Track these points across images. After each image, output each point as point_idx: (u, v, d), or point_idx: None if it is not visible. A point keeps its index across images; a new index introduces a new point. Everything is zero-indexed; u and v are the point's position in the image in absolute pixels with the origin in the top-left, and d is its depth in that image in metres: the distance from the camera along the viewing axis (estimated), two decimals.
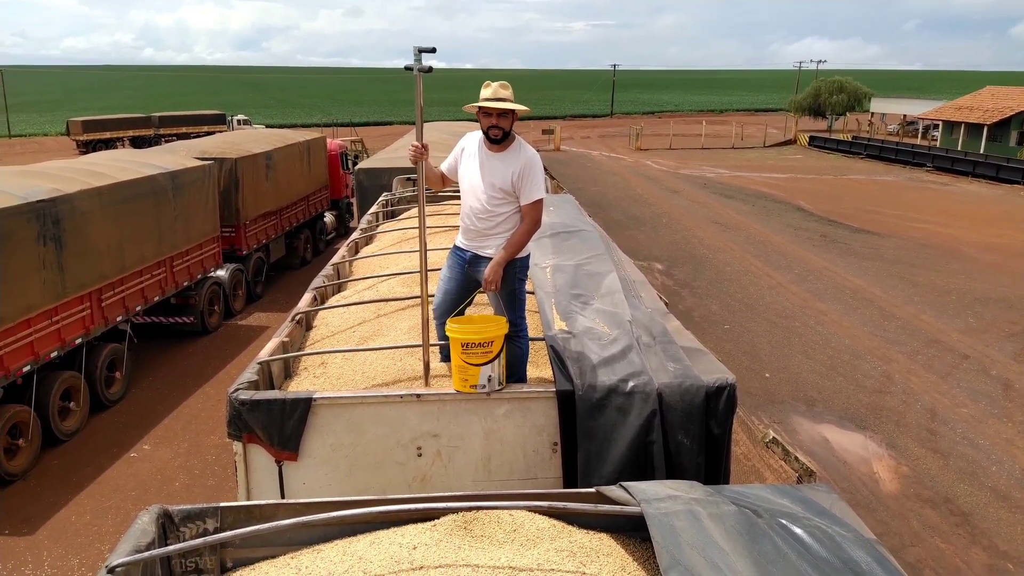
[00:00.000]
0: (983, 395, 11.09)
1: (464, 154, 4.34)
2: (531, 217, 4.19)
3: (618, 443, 3.71)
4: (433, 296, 4.49)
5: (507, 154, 4.16)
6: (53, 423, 9.37)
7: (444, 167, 4.49)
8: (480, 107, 4.09)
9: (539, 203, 4.19)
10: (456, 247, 4.42)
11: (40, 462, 9.12)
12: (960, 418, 10.35)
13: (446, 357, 4.45)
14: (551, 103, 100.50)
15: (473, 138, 4.32)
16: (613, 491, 2.74)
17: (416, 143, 4.11)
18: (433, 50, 3.85)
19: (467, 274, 4.34)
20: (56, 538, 7.73)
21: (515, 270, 4.21)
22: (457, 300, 4.37)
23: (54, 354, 9.31)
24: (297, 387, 4.32)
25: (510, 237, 4.17)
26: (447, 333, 3.93)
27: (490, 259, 4.19)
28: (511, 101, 4.09)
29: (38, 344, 9.00)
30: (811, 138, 50.29)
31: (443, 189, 4.87)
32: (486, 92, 4.10)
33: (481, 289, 4.28)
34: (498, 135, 4.11)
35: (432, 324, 4.35)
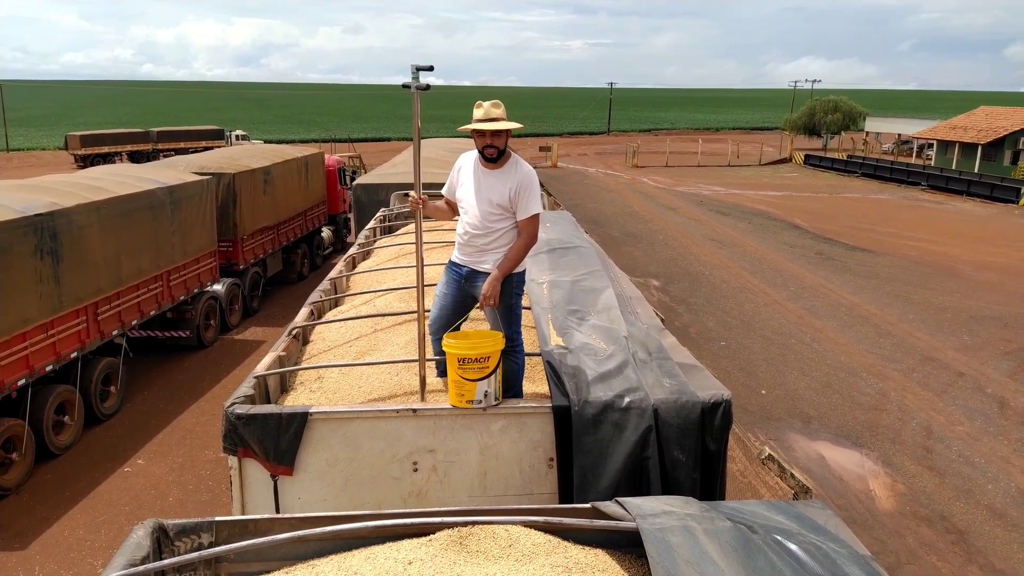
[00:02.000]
0: (979, 413, 11.10)
1: (461, 173, 4.38)
2: (528, 232, 4.21)
3: (614, 459, 3.71)
4: (429, 311, 4.50)
5: (503, 171, 4.20)
6: (47, 437, 9.33)
7: (445, 191, 4.52)
8: (474, 128, 4.14)
9: (535, 218, 4.22)
10: (452, 262, 4.44)
11: (33, 476, 9.08)
12: (956, 436, 10.36)
13: (442, 372, 4.46)
14: (549, 120, 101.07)
15: (469, 157, 4.35)
16: (609, 506, 2.74)
17: (414, 195, 4.18)
18: (431, 68, 3.90)
19: (463, 289, 4.35)
20: (49, 553, 7.68)
21: (511, 285, 4.23)
22: (453, 315, 4.38)
23: (49, 368, 9.29)
24: (293, 401, 4.32)
25: (507, 252, 4.20)
26: (443, 348, 3.94)
27: (487, 274, 4.20)
28: (504, 119, 4.12)
29: (33, 358, 8.98)
30: (806, 157, 50.55)
31: (455, 216, 4.68)
32: (478, 112, 4.14)
33: (478, 304, 4.30)
34: (493, 154, 4.15)
35: (428, 339, 4.36)
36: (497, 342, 3.90)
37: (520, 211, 4.18)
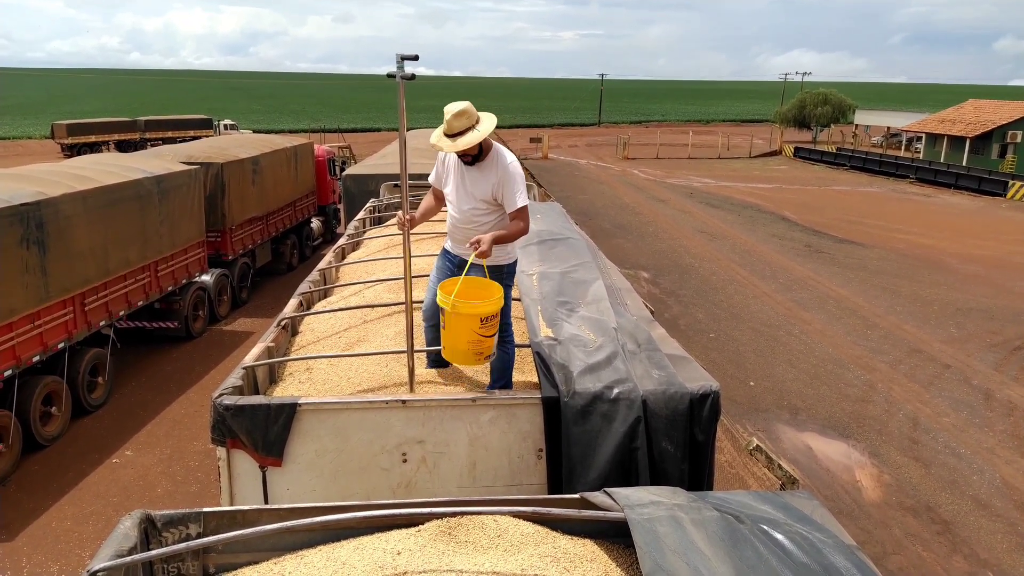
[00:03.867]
0: (965, 404, 11.20)
1: (446, 165, 4.34)
2: (519, 224, 4.18)
3: (603, 449, 3.72)
4: (417, 303, 4.49)
5: (485, 166, 4.15)
6: (34, 428, 9.28)
7: (432, 180, 4.48)
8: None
9: (524, 210, 4.18)
10: (445, 250, 4.44)
11: (20, 467, 9.03)
12: (942, 427, 10.45)
13: (433, 363, 4.47)
14: (539, 112, 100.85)
15: None
16: (597, 497, 2.75)
17: (402, 214, 4.09)
18: (416, 57, 3.85)
19: (453, 276, 4.35)
20: (36, 544, 7.64)
21: (501, 276, 4.23)
22: None
23: (36, 358, 9.23)
24: (282, 392, 4.31)
25: (505, 227, 4.17)
26: (457, 310, 3.77)
27: (477, 265, 4.19)
28: (471, 129, 3.97)
29: (20, 348, 8.92)
30: (796, 149, 50.70)
31: (444, 208, 4.67)
32: (445, 124, 4.00)
33: (470, 244, 4.12)
34: (468, 160, 4.11)
35: (418, 330, 4.36)
36: (496, 289, 3.94)
37: (507, 205, 4.14)
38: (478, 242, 3.95)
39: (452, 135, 3.97)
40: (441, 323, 3.89)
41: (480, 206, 4.16)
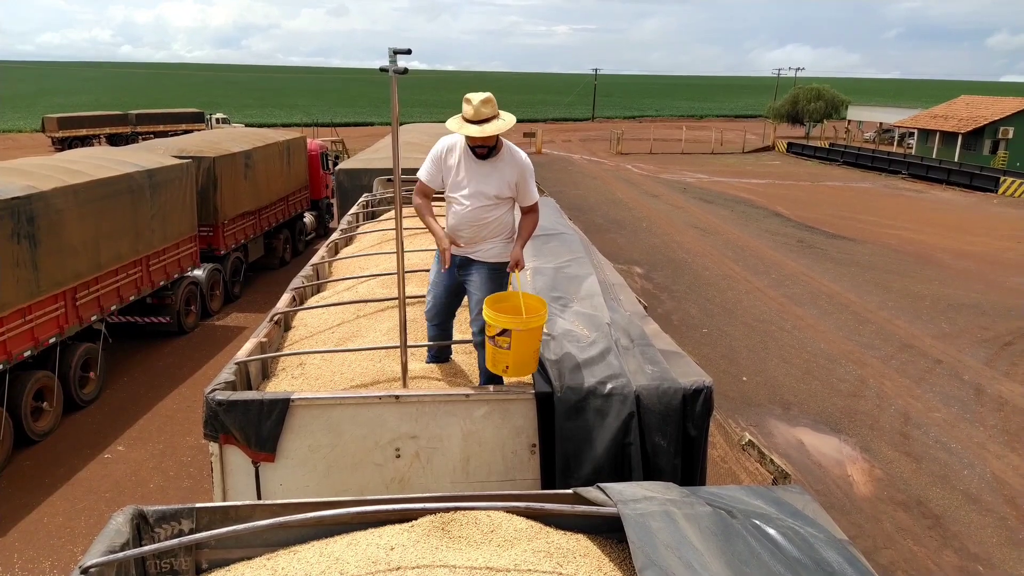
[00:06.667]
0: (955, 400, 11.26)
1: (448, 162, 4.23)
2: (535, 216, 4.31)
3: (596, 445, 3.73)
4: (410, 299, 4.50)
5: (497, 161, 4.13)
6: (26, 423, 9.24)
7: (425, 177, 4.30)
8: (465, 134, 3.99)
9: (537, 203, 4.32)
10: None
11: (12, 463, 8.99)
12: (933, 422, 10.50)
13: (434, 358, 4.48)
14: (533, 106, 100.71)
15: (454, 144, 4.20)
16: (590, 492, 2.76)
17: (443, 247, 4.15)
18: (408, 51, 3.82)
19: (455, 277, 4.34)
20: (27, 540, 7.62)
21: (503, 276, 4.25)
22: (447, 303, 4.41)
23: (27, 353, 9.19)
24: (275, 388, 4.30)
25: (523, 227, 4.26)
26: (530, 325, 3.76)
27: (480, 263, 4.26)
28: (496, 117, 3.95)
29: (11, 343, 8.88)
30: (789, 145, 50.78)
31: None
32: (467, 110, 3.94)
33: (508, 268, 4.25)
34: (484, 153, 4.07)
35: (413, 325, 4.36)
36: (528, 297, 4.03)
37: (526, 200, 4.23)
38: (516, 264, 4.13)
39: (479, 121, 3.92)
40: (502, 344, 3.76)
41: (489, 202, 4.15)
